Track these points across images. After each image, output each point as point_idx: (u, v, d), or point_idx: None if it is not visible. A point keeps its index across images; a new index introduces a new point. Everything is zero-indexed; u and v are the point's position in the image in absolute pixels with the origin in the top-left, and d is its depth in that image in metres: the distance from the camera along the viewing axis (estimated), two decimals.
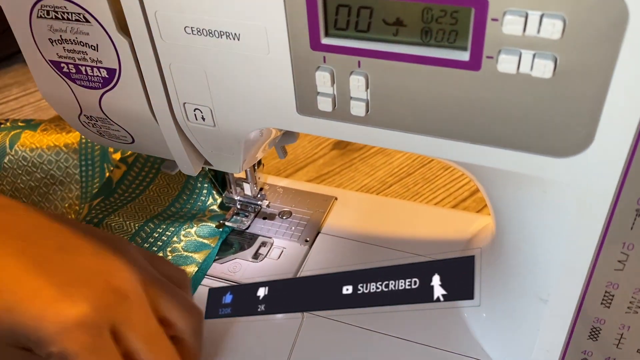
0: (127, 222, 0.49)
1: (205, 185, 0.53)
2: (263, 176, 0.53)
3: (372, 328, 0.41)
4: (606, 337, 0.32)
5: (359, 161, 0.71)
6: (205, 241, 0.49)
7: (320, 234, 0.49)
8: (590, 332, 0.32)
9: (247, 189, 0.50)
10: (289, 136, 0.44)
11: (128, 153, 0.54)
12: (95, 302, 0.30)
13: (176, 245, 0.48)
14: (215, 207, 0.52)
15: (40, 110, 0.87)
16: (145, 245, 0.48)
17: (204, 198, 0.53)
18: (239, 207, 0.51)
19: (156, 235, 0.49)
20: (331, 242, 0.48)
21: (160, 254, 0.47)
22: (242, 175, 0.50)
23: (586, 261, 0.30)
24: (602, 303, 0.31)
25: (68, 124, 0.42)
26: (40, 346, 0.29)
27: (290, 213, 0.51)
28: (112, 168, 0.53)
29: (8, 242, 0.31)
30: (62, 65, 0.36)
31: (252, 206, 0.51)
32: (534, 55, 0.24)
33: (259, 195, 0.51)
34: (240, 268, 0.46)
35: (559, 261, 0.31)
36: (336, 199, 0.52)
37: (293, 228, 0.49)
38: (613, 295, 0.30)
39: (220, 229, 0.50)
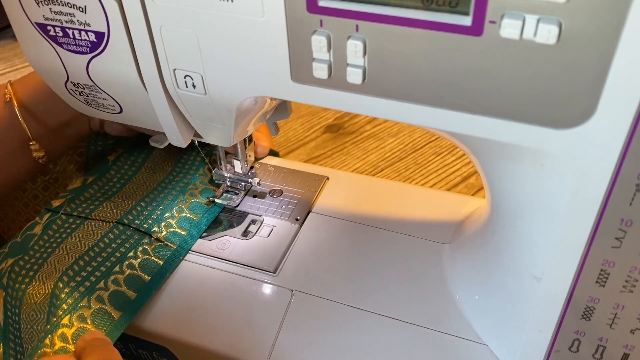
0: (114, 210, 0.49)
1: (196, 163, 0.53)
2: (254, 154, 0.52)
3: (362, 307, 0.40)
4: (599, 317, 0.32)
5: (350, 145, 0.70)
6: (198, 218, 0.48)
7: (311, 213, 0.48)
8: (583, 312, 0.32)
9: (238, 166, 0.49)
10: (281, 111, 0.43)
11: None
12: None
13: (170, 220, 0.47)
14: (205, 180, 0.52)
15: None
16: (136, 222, 0.47)
17: (192, 172, 0.53)
18: (228, 184, 0.50)
19: (148, 211, 0.48)
20: (322, 221, 0.47)
21: (155, 228, 0.46)
22: (232, 151, 0.49)
23: (583, 238, 0.29)
24: (597, 281, 0.30)
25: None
26: None
27: (281, 192, 0.50)
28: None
29: None
30: (49, 28, 0.35)
31: (243, 184, 0.50)
32: (538, 20, 0.23)
33: (249, 173, 0.50)
34: (229, 245, 0.46)
35: (555, 238, 0.30)
36: (328, 178, 0.51)
37: (284, 207, 0.49)
38: (609, 274, 0.30)
39: (210, 206, 0.49)
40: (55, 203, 0.49)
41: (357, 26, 0.27)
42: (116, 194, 0.50)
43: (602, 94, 0.24)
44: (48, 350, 0.37)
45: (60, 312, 0.39)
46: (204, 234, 0.47)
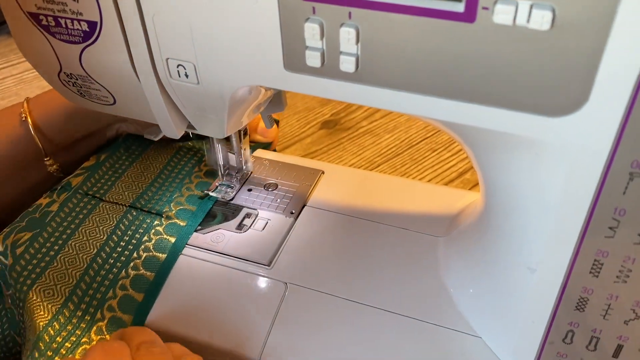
0: (126, 193, 0.50)
1: (192, 161, 0.53)
2: (249, 148, 0.52)
3: (356, 300, 0.40)
4: (593, 308, 0.31)
5: (346, 141, 0.70)
6: (194, 209, 0.48)
7: (306, 207, 0.48)
8: (577, 303, 0.32)
9: (233, 159, 0.49)
10: (276, 104, 0.43)
11: None
12: None
13: (169, 213, 0.48)
14: (200, 174, 0.51)
15: (22, 82, 0.85)
16: (140, 217, 0.48)
17: (191, 165, 0.53)
18: (223, 177, 0.50)
19: (159, 195, 0.50)
20: (317, 215, 0.47)
21: (157, 222, 0.47)
22: (227, 144, 0.49)
23: (576, 228, 0.29)
24: (590, 272, 0.30)
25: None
26: None
27: (276, 185, 0.50)
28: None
29: None
30: (41, 17, 0.35)
31: (237, 177, 0.50)
32: (531, 6, 0.23)
33: (244, 167, 0.50)
34: (223, 238, 0.45)
35: (549, 228, 0.30)
36: (323, 172, 0.51)
37: (278, 200, 0.48)
38: (602, 264, 0.30)
39: (205, 199, 0.49)
40: (74, 181, 0.50)
41: (350, 13, 0.27)
42: (125, 172, 0.52)
43: (595, 81, 0.24)
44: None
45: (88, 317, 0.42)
46: (199, 227, 0.46)
